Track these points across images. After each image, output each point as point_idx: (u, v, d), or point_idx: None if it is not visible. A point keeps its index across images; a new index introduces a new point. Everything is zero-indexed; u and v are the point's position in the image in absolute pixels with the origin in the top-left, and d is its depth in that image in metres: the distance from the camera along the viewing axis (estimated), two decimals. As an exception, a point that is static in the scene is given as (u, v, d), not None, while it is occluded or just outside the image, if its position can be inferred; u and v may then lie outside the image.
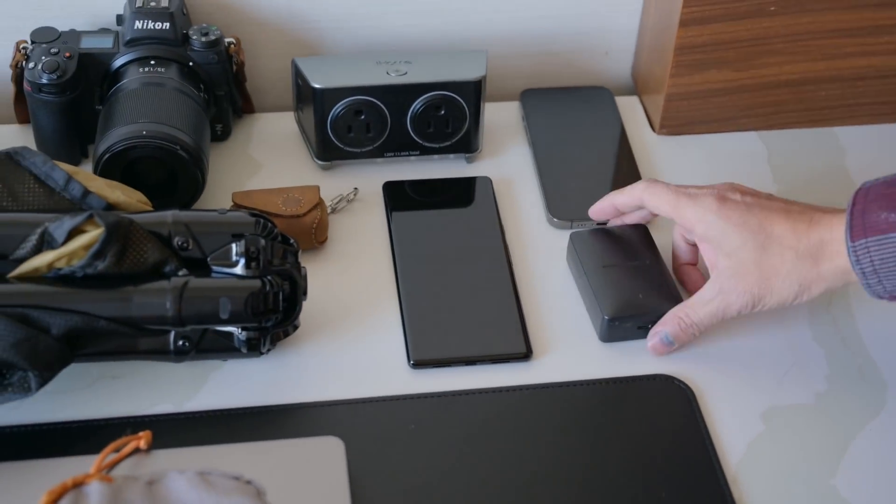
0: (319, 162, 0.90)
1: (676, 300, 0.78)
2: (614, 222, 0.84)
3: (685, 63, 0.92)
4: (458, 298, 0.80)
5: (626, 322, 0.78)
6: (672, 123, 0.95)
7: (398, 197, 0.89)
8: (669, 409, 0.75)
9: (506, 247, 0.85)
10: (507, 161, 0.93)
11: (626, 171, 0.91)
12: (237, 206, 0.82)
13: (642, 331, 0.78)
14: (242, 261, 0.71)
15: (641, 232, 0.83)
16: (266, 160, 0.92)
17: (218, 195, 0.87)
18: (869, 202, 0.70)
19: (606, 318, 0.78)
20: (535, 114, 0.96)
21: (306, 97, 0.88)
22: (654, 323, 0.78)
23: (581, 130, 0.95)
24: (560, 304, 0.81)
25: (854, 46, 0.92)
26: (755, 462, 0.72)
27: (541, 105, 0.97)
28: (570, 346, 0.79)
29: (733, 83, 0.93)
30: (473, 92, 0.88)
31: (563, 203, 0.88)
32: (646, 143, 0.95)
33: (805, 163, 0.94)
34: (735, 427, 0.74)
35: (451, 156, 0.92)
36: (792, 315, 0.81)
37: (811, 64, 0.93)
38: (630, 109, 0.98)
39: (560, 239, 0.86)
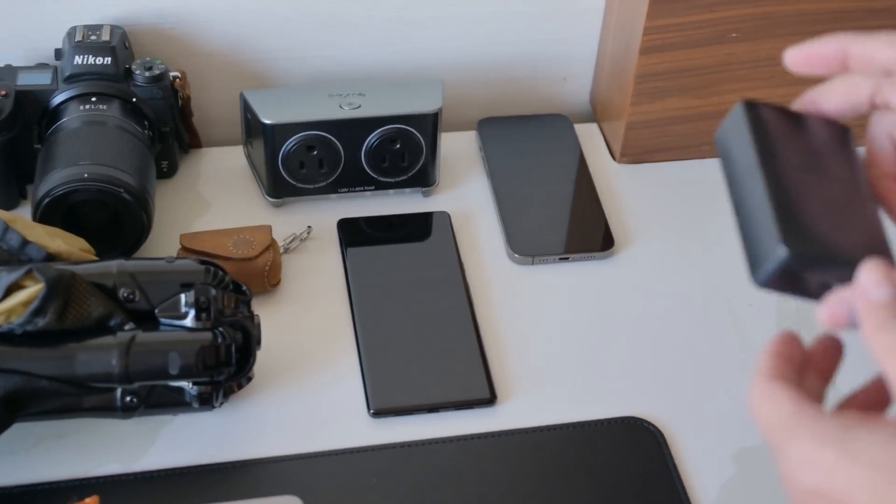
0: (271, 199, 0.87)
1: (882, 246, 0.49)
2: (818, 100, 0.54)
3: (646, 91, 0.90)
4: (419, 342, 0.78)
5: (811, 267, 0.48)
6: (633, 152, 0.93)
7: (353, 234, 0.86)
8: (639, 452, 0.73)
9: (466, 285, 0.82)
10: (465, 194, 0.90)
11: (586, 201, 0.89)
12: (185, 250, 0.79)
13: (820, 288, 0.48)
14: (192, 312, 0.67)
15: (842, 135, 0.53)
16: (215, 198, 0.88)
17: (165, 236, 0.83)
18: None
19: (785, 254, 0.46)
20: (492, 144, 0.93)
21: (256, 132, 0.85)
22: (841, 278, 0.48)
23: (540, 160, 0.92)
24: (525, 345, 0.79)
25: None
26: (728, 507, 0.70)
27: (498, 134, 0.94)
28: (535, 389, 0.76)
29: (694, 110, 0.91)
30: (430, 125, 0.86)
31: (523, 237, 0.86)
32: (606, 171, 0.93)
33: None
34: (706, 470, 0.72)
35: (408, 190, 0.89)
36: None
37: (772, 90, 0.91)
38: (589, 137, 0.96)
39: (522, 275, 0.83)
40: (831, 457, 0.43)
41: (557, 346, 0.79)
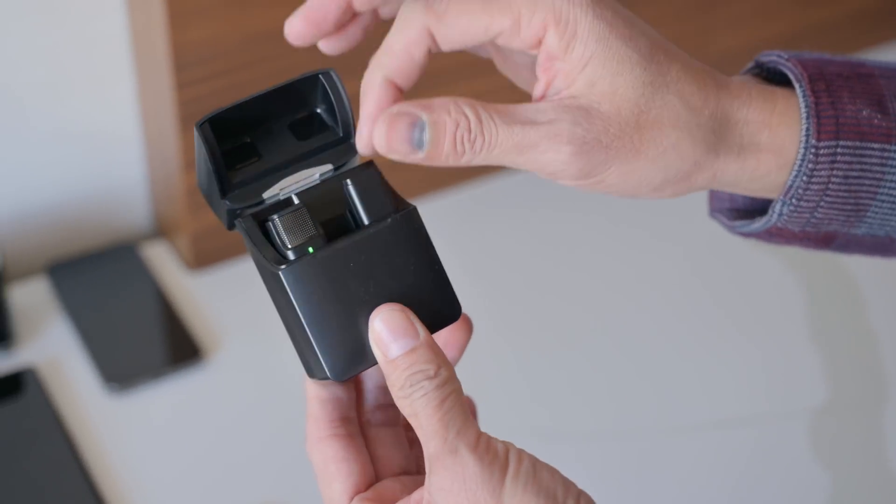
0: None
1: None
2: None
3: (201, 202, 0.93)
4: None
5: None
6: (205, 258, 0.97)
7: (-61, 414, 0.83)
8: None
9: (67, 436, 0.82)
10: (48, 342, 0.90)
11: (166, 317, 0.92)
12: None
13: None
14: None
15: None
16: None
17: None
18: (835, 88, 0.49)
19: (332, 377, 0.48)
20: (65, 286, 0.94)
21: None
22: None
23: (115, 289, 0.94)
24: (137, 478, 0.80)
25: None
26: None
27: (70, 276, 0.95)
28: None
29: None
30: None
31: (115, 367, 0.87)
32: (183, 284, 0.96)
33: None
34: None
35: (-13, 353, 0.88)
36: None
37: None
38: (159, 255, 0.98)
39: (122, 405, 0.85)
40: None
41: (173, 468, 0.81)
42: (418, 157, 0.46)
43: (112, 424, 0.84)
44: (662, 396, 0.89)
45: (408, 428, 0.53)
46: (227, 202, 0.48)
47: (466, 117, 0.46)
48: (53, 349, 0.89)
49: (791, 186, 0.49)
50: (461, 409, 0.46)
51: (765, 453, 0.84)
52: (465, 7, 0.47)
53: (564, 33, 0.46)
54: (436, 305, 0.48)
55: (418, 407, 0.45)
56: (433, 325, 0.48)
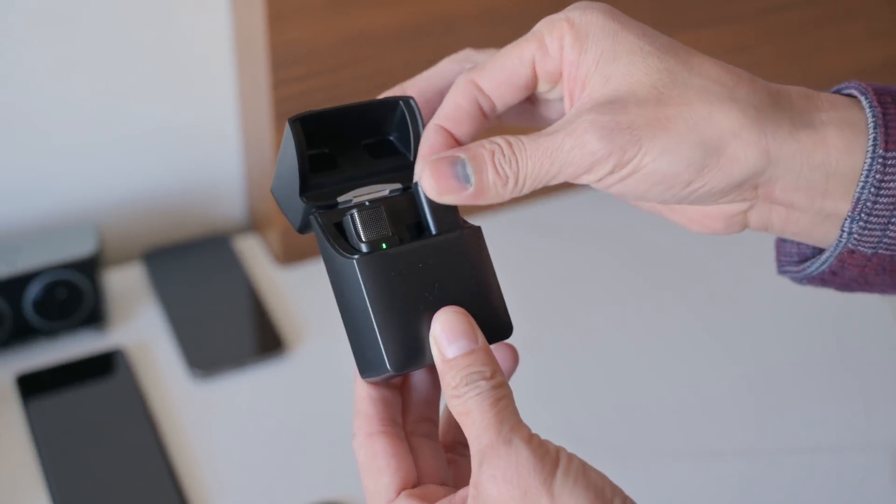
0: (-59, 370, 0.87)
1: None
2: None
3: (291, 198, 0.96)
4: (114, 489, 0.80)
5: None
6: (294, 254, 0.99)
7: (33, 388, 0.87)
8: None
9: (150, 418, 0.85)
10: (139, 326, 0.93)
11: (253, 308, 0.94)
12: None
13: None
14: None
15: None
16: None
17: None
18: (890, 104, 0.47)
19: (390, 370, 0.49)
20: (159, 273, 0.97)
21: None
22: None
23: (206, 279, 0.97)
24: (218, 461, 0.83)
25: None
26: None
27: (165, 264, 0.98)
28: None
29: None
30: (89, 266, 0.89)
31: (200, 355, 0.90)
32: (271, 278, 0.98)
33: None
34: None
35: (81, 332, 0.91)
36: None
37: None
38: (251, 248, 1.01)
39: (205, 391, 0.87)
40: None
41: (250, 456, 0.84)
42: (469, 193, 0.48)
43: (193, 409, 0.87)
44: (760, 419, 0.87)
45: (447, 448, 0.53)
46: (304, 199, 0.50)
47: (499, 145, 0.48)
48: (143, 333, 0.92)
49: (859, 199, 0.47)
50: (514, 410, 0.47)
51: (846, 484, 0.83)
52: (498, 52, 0.50)
53: (578, 36, 0.48)
54: (491, 320, 0.50)
55: (472, 405, 0.46)
56: (487, 338, 0.49)
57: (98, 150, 0.97)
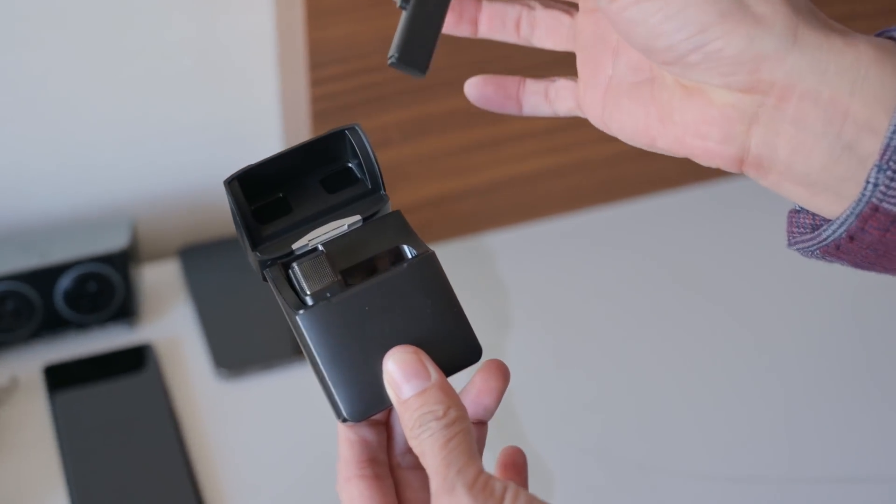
0: (-29, 358, 0.88)
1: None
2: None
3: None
4: (131, 484, 0.79)
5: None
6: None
7: (60, 379, 0.87)
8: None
9: (173, 415, 0.84)
10: (170, 322, 0.93)
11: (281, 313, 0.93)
12: None
13: None
14: None
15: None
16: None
17: None
18: None
19: (349, 418, 0.50)
20: (194, 269, 0.97)
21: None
22: None
23: (240, 278, 0.96)
24: (239, 461, 0.81)
25: (483, 157, 0.98)
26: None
27: (199, 260, 0.98)
28: None
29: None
30: (121, 261, 0.88)
31: (228, 354, 0.89)
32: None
33: (459, 273, 0.99)
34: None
35: (112, 325, 0.91)
36: None
37: (445, 182, 0.98)
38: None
39: (231, 391, 0.86)
40: None
41: (270, 459, 0.82)
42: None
43: (216, 408, 0.86)
44: (793, 445, 0.84)
45: None
46: (258, 254, 0.50)
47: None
48: (174, 329, 0.92)
49: (888, 146, 0.41)
50: (466, 448, 0.46)
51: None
52: None
53: None
54: (454, 348, 0.49)
55: (426, 446, 0.46)
56: (452, 366, 0.48)
57: (139, 146, 0.97)
